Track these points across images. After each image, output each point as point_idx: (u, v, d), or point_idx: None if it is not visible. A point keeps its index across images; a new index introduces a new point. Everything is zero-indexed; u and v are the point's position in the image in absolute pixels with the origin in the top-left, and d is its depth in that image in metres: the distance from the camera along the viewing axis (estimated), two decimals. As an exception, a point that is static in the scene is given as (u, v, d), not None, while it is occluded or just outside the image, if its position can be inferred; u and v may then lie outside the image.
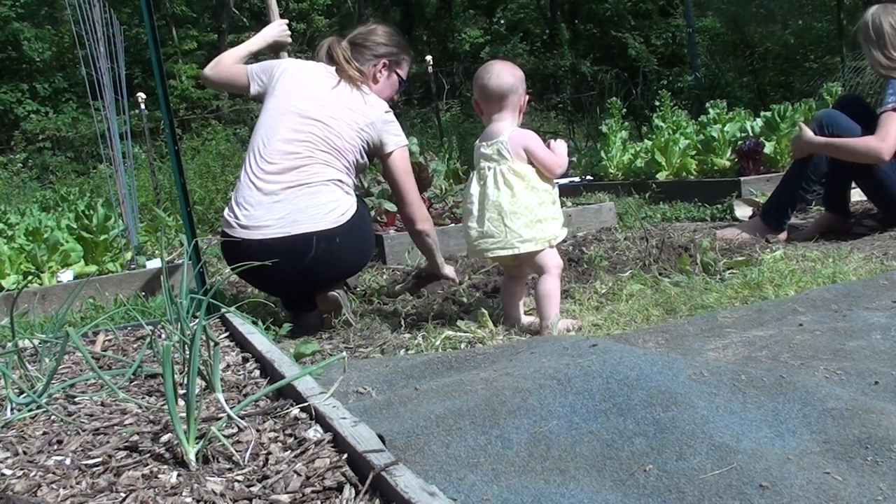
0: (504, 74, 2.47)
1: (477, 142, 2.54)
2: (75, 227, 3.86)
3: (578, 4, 19.59)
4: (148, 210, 5.91)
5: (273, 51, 3.12)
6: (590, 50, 18.43)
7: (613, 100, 6.58)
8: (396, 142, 2.87)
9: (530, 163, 2.43)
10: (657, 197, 5.22)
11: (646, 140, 6.19)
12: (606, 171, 6.24)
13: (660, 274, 2.91)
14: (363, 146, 2.82)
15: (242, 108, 16.07)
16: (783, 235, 3.65)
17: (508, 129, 2.46)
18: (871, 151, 3.35)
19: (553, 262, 2.43)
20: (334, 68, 2.90)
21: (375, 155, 2.90)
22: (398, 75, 3.03)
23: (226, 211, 2.78)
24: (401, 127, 2.92)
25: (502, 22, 22.06)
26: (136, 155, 6.59)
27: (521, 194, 2.39)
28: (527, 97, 2.54)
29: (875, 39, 3.49)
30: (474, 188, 2.47)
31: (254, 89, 2.94)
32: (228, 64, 2.98)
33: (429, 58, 9.71)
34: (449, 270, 3.14)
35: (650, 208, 5.01)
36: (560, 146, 2.51)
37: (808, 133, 3.55)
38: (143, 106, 7.44)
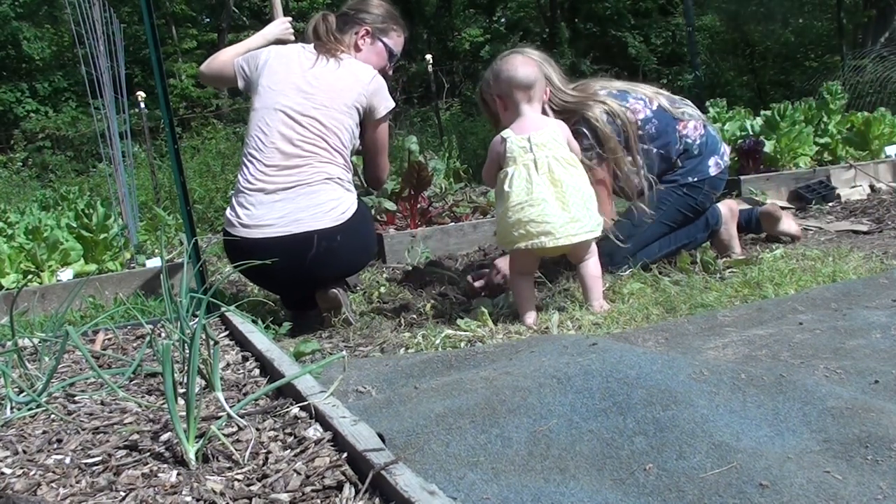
0: (528, 64, 2.55)
1: (511, 134, 2.50)
2: (75, 225, 3.86)
3: (578, 3, 19.58)
4: (148, 209, 5.91)
5: None
6: (589, 49, 18.42)
7: (613, 98, 6.57)
8: (386, 106, 2.84)
9: None
10: (657, 196, 5.20)
11: (645, 139, 6.18)
12: (606, 170, 6.23)
13: (660, 273, 2.91)
14: (356, 122, 2.79)
15: (242, 106, 16.04)
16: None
17: (552, 119, 2.55)
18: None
19: (595, 245, 2.58)
20: (312, 45, 2.86)
21: (366, 121, 2.83)
22: (385, 45, 2.97)
23: (227, 211, 2.79)
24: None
25: (502, 21, 22.05)
26: (135, 154, 6.59)
27: (587, 179, 2.51)
28: (548, 88, 2.63)
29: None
30: (539, 178, 2.42)
31: (240, 84, 2.93)
32: (223, 60, 2.96)
33: (429, 57, 9.71)
34: None
35: (650, 207, 4.99)
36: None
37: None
38: (142, 105, 7.44)
